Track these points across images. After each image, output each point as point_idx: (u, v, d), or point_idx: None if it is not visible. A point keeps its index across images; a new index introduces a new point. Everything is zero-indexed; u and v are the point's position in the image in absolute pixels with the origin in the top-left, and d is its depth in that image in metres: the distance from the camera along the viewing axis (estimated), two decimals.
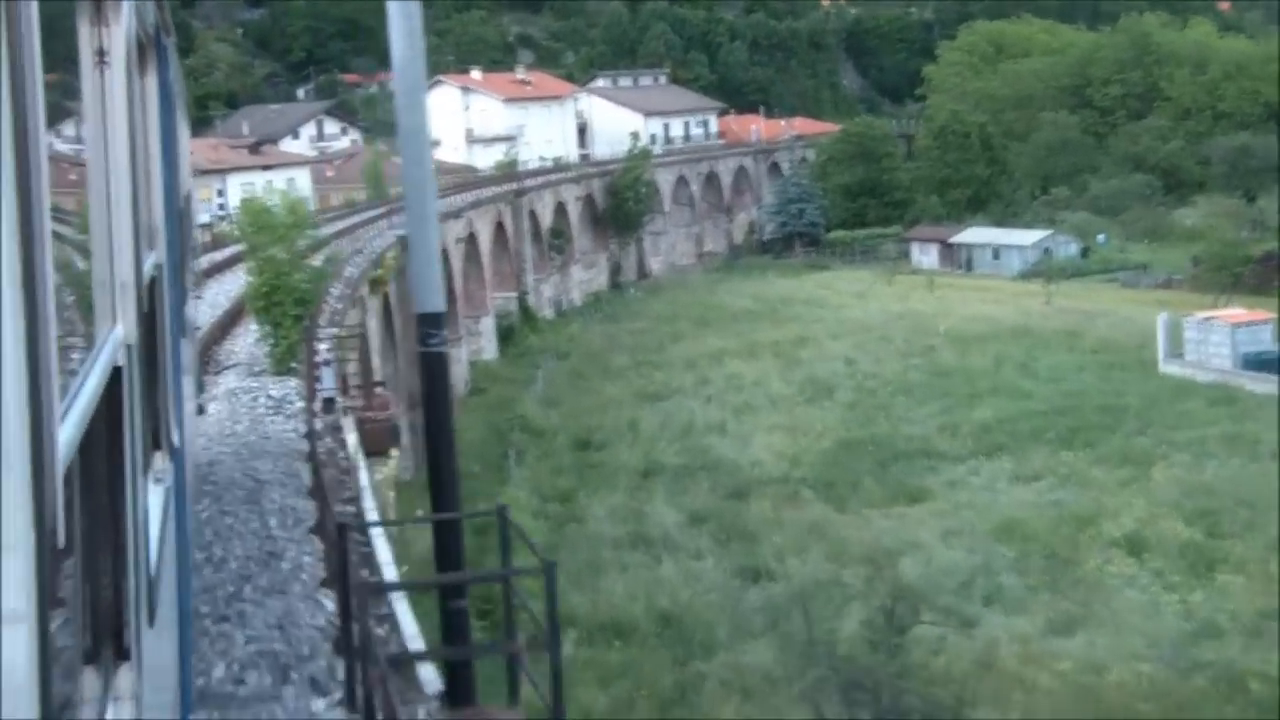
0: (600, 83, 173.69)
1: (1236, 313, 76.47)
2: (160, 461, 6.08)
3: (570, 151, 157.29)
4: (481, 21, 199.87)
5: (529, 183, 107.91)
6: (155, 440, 5.97)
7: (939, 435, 63.83)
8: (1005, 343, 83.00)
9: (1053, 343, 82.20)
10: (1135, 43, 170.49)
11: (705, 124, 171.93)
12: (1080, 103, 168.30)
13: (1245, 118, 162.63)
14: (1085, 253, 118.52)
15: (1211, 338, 72.11)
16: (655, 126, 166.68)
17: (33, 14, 2.34)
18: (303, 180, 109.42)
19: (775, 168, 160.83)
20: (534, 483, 60.75)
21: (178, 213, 10.17)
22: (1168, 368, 72.94)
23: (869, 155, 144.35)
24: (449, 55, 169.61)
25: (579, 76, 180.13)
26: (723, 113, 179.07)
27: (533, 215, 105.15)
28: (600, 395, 78.42)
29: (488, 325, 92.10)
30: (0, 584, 2.06)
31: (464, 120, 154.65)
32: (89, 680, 3.33)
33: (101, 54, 4.16)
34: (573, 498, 58.09)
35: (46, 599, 2.25)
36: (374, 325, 49.64)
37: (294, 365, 31.29)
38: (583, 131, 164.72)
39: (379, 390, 32.28)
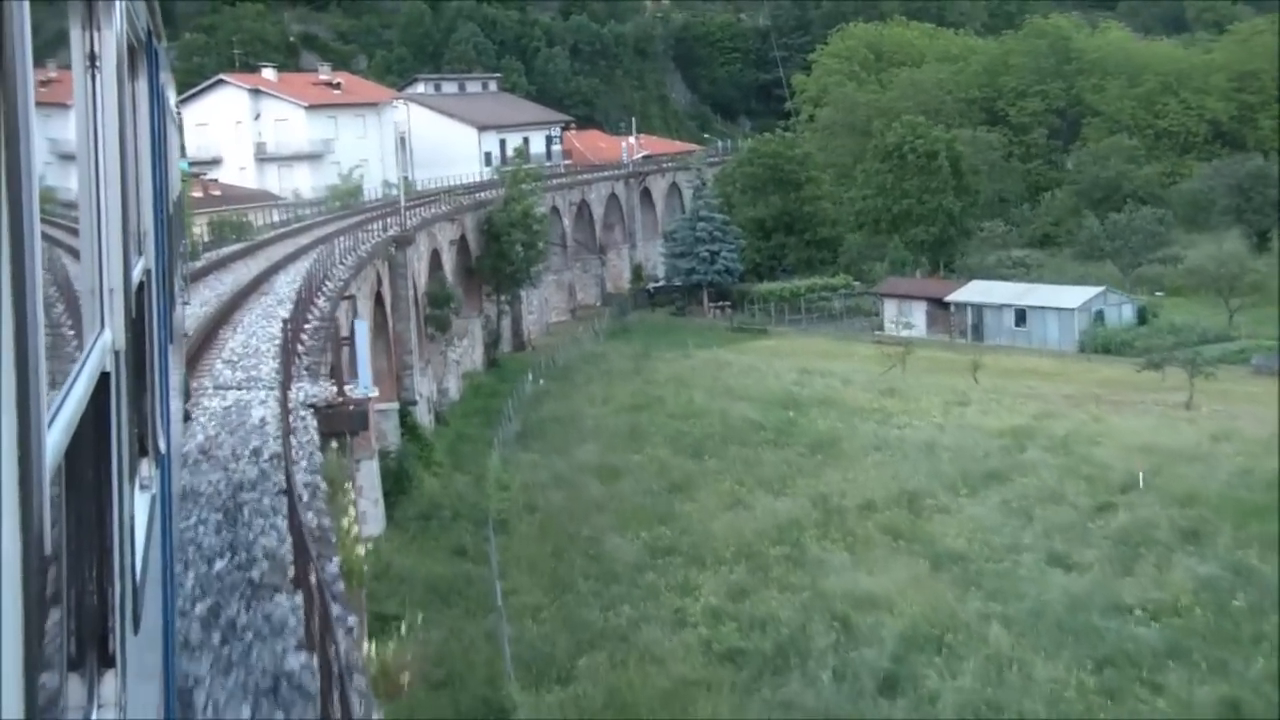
0: (420, 89, 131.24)
1: None
2: (147, 468, 5.44)
3: (389, 173, 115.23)
4: (258, 16, 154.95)
5: (407, 221, 65.61)
6: (142, 446, 5.38)
7: None
8: None
9: None
10: (1054, 49, 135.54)
11: (551, 140, 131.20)
12: (990, 118, 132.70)
13: (1189, 137, 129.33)
14: (1143, 318, 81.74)
15: None
16: (490, 143, 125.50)
17: (24, 16, 2.21)
18: None
19: (647, 195, 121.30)
20: None
21: (167, 217, 9.24)
22: None
23: (786, 181, 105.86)
24: (235, 50, 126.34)
25: (381, 83, 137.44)
26: (565, 127, 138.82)
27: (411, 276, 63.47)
28: (637, 653, 37.88)
29: (369, 471, 50.25)
30: None
31: (253, 132, 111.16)
32: (73, 687, 3.06)
33: (93, 57, 3.90)
34: None
35: (34, 605, 2.14)
36: None
37: None
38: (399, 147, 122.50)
39: None
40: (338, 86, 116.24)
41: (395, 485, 52.84)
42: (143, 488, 5.27)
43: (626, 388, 72.61)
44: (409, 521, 50.91)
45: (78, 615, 3.15)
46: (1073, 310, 79.46)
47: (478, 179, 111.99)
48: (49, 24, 3.10)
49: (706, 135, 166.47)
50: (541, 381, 75.52)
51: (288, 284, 39.64)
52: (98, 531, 3.65)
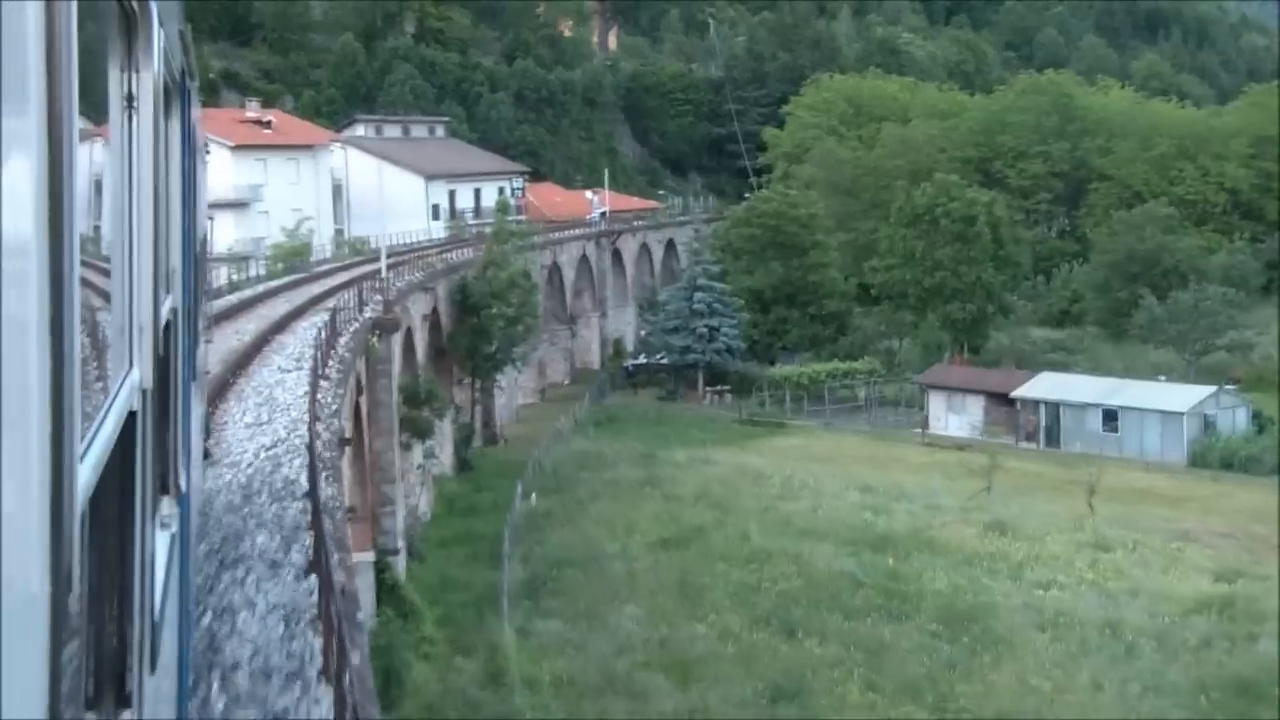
0: (360, 131, 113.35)
1: None
2: (168, 507, 5.23)
3: (324, 224, 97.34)
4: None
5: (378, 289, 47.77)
6: (164, 485, 5.14)
7: None
8: None
9: None
10: (1056, 107, 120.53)
11: (511, 192, 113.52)
12: (986, 180, 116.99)
13: (1208, 207, 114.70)
14: (1260, 424, 65.89)
15: None
16: (439, 194, 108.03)
17: (72, 57, 2.16)
18: None
19: (617, 257, 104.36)
20: None
21: (194, 255, 8.88)
22: None
23: (789, 245, 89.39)
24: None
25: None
26: (524, 177, 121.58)
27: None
28: None
29: None
30: (13, 627, 1.94)
31: None
32: None
33: (130, 99, 3.81)
34: None
35: (60, 644, 2.09)
36: None
37: None
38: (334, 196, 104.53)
39: None
40: (268, 125, 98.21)
41: (378, 683, 35.18)
42: (163, 526, 5.02)
43: (647, 508, 55.28)
44: None
45: (97, 653, 3.02)
46: (1181, 414, 63.33)
47: (425, 235, 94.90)
48: (90, 65, 2.95)
49: (661, 191, 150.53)
50: (534, 497, 57.87)
51: (245, 432, 22.06)
52: (119, 570, 3.53)
